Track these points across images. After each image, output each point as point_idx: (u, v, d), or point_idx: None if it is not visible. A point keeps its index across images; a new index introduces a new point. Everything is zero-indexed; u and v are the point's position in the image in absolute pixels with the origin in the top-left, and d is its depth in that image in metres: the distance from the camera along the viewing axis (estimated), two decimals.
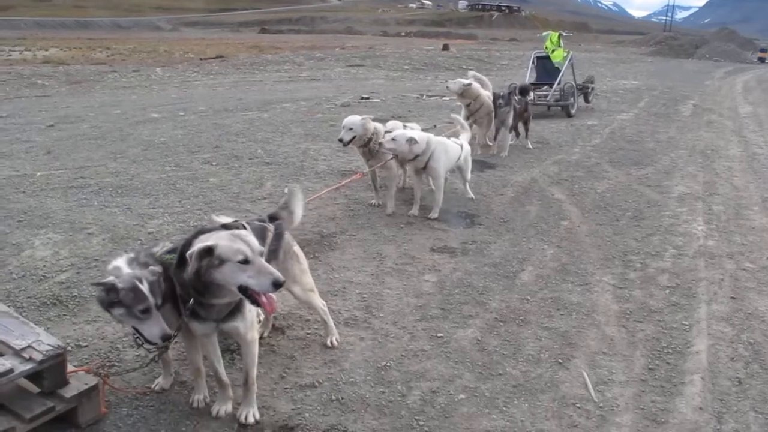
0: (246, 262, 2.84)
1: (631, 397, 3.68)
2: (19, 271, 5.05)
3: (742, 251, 6.16)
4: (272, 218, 3.72)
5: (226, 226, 3.17)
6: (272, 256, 3.61)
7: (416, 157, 6.57)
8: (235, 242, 2.88)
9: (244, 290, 2.88)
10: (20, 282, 4.86)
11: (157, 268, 3.05)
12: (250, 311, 3.22)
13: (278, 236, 3.64)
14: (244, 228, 3.26)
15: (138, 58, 36.61)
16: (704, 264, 5.80)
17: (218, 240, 2.88)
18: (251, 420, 3.32)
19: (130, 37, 70.83)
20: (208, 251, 2.83)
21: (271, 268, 2.88)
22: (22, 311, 4.34)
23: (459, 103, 10.34)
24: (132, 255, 3.15)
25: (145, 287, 2.91)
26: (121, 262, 3.08)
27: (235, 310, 3.14)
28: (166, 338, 3.00)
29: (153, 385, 3.59)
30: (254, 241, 2.93)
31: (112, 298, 2.91)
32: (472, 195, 7.58)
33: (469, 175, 7.51)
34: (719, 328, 4.55)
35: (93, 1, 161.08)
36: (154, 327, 2.96)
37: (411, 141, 6.44)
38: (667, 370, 3.99)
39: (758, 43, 68.41)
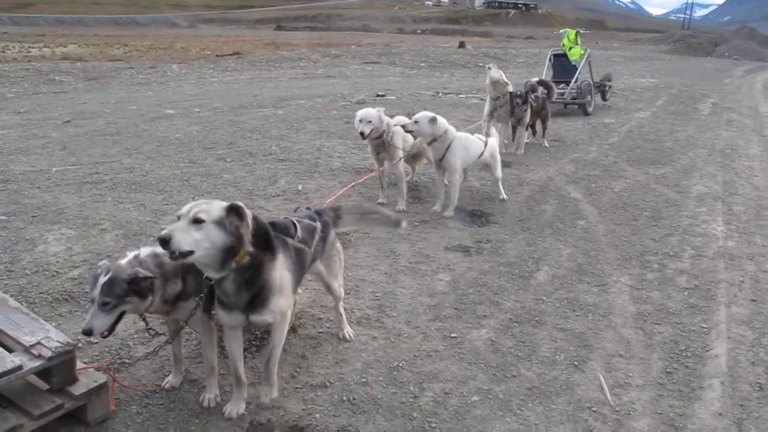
0: (198, 221, 2.83)
1: (648, 402, 3.61)
2: (32, 267, 5.05)
3: (763, 253, 6.04)
4: (317, 214, 3.81)
5: (273, 224, 3.23)
6: (318, 254, 3.69)
7: (433, 140, 6.53)
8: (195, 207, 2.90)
9: None
10: (33, 277, 4.85)
11: (138, 269, 3.01)
12: (278, 306, 3.16)
13: (324, 237, 3.72)
14: (295, 226, 3.29)
15: (155, 54, 36.76)
16: (724, 265, 5.69)
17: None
18: (266, 400, 3.34)
19: (147, 34, 71.15)
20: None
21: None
22: (34, 307, 4.34)
23: (481, 99, 10.28)
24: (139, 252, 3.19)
25: (100, 282, 2.93)
26: (130, 256, 3.15)
27: (259, 303, 3.08)
28: (86, 333, 2.96)
29: (163, 383, 3.56)
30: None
31: None
32: (504, 195, 7.43)
33: (499, 173, 7.33)
34: (739, 332, 4.46)
35: None
36: (87, 318, 2.95)
37: (433, 120, 6.46)
38: (685, 373, 3.91)
39: None
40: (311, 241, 3.51)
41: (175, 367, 3.61)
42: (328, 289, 4.03)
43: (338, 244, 4.02)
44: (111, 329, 3.00)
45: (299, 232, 3.39)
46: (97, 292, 2.92)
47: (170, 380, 3.58)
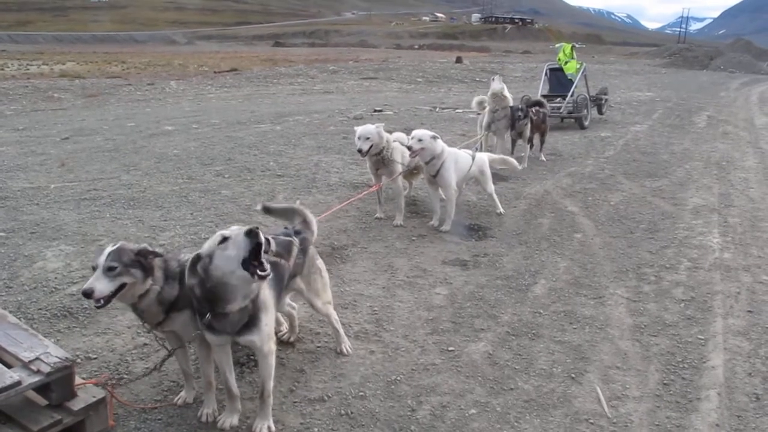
0: (225, 239, 2.96)
1: (645, 413, 3.62)
2: (30, 283, 5.06)
3: (758, 264, 6.07)
4: (296, 232, 3.80)
5: None
6: (298, 270, 3.70)
7: (431, 160, 6.57)
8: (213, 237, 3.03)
9: (245, 264, 2.93)
10: (31, 293, 4.87)
11: (146, 246, 3.14)
12: (267, 325, 3.19)
13: (303, 251, 3.73)
14: (269, 242, 3.30)
15: (153, 71, 36.86)
16: (720, 277, 5.71)
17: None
18: None
19: (146, 51, 71.56)
20: (197, 258, 2.99)
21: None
22: (33, 323, 4.35)
23: (479, 113, 10.40)
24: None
25: (107, 250, 3.01)
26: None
27: (250, 323, 3.13)
28: (86, 295, 2.97)
29: (176, 399, 3.58)
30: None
31: None
32: (501, 209, 7.48)
33: (490, 187, 7.38)
34: (736, 343, 4.47)
35: (109, 15, 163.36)
36: (89, 281, 2.98)
37: (434, 138, 6.53)
38: (682, 385, 3.92)
39: None
40: (288, 256, 3.52)
41: (187, 383, 3.62)
42: (312, 306, 4.02)
43: (319, 262, 4.02)
44: (108, 300, 3.00)
45: (272, 246, 3.40)
46: (103, 258, 2.98)
47: (183, 395, 3.59)
